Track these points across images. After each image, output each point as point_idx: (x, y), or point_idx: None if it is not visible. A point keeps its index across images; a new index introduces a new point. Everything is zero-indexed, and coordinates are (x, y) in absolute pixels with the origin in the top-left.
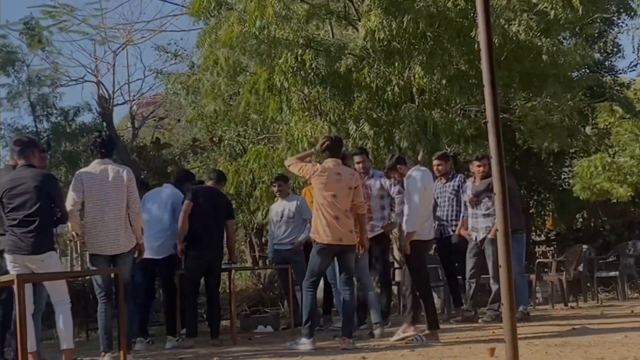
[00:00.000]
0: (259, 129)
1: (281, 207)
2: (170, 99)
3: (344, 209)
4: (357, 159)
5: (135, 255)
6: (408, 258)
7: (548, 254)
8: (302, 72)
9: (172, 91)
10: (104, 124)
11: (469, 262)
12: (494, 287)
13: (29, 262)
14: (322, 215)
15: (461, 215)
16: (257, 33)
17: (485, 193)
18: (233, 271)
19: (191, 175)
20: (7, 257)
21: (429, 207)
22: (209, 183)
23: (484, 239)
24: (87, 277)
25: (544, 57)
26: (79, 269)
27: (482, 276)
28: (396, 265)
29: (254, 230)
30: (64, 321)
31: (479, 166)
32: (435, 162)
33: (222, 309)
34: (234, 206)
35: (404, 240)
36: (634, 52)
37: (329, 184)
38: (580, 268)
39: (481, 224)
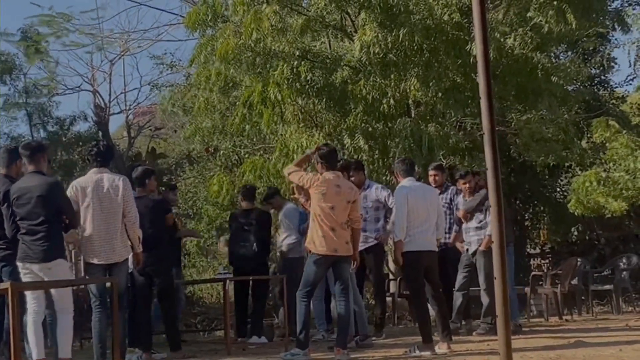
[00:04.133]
0: (254, 140)
1: (280, 216)
2: (167, 111)
3: (341, 222)
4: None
5: (133, 264)
6: (402, 269)
7: (543, 266)
8: (297, 83)
9: (169, 109)
10: (100, 133)
11: (460, 274)
12: (484, 300)
13: (38, 269)
14: (318, 226)
15: (454, 227)
16: (253, 45)
17: (477, 207)
18: (228, 281)
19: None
20: (19, 264)
21: (419, 217)
22: (137, 192)
23: (475, 252)
24: (82, 286)
25: (539, 72)
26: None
27: (473, 289)
28: (391, 276)
29: None
30: (64, 330)
31: (464, 184)
32: (431, 172)
33: (215, 319)
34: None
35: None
36: (629, 67)
37: (327, 196)
38: (575, 281)
39: (473, 237)
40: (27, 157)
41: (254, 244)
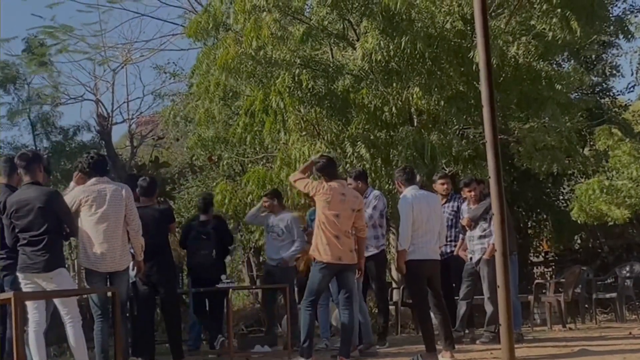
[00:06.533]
0: (257, 149)
1: (274, 222)
2: (170, 121)
3: (345, 230)
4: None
5: (135, 272)
6: (405, 277)
7: (546, 274)
8: (299, 92)
9: (170, 119)
10: (103, 143)
11: (464, 283)
12: (488, 309)
13: (39, 279)
14: (322, 234)
15: (460, 235)
16: (254, 54)
17: (481, 215)
18: (230, 290)
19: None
20: (19, 274)
21: (423, 226)
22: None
23: (479, 260)
24: (84, 296)
25: (542, 80)
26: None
27: (477, 297)
28: (394, 285)
29: (252, 250)
30: (76, 339)
31: (469, 191)
32: (441, 181)
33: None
34: (230, 226)
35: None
36: (632, 75)
37: (332, 204)
38: (579, 289)
39: (477, 245)
40: (23, 168)
41: (213, 252)
